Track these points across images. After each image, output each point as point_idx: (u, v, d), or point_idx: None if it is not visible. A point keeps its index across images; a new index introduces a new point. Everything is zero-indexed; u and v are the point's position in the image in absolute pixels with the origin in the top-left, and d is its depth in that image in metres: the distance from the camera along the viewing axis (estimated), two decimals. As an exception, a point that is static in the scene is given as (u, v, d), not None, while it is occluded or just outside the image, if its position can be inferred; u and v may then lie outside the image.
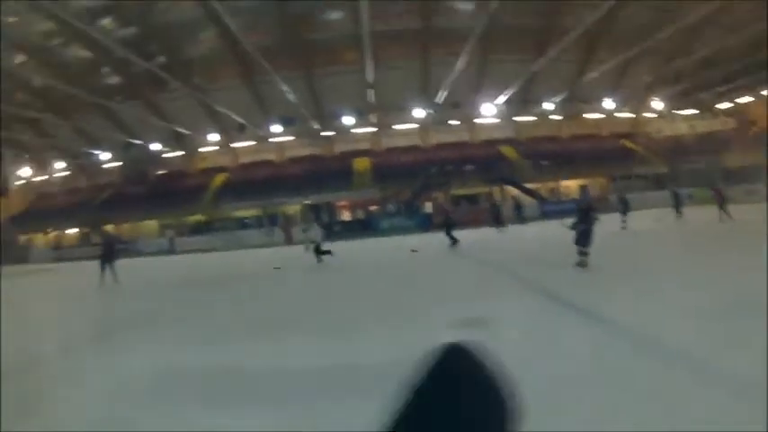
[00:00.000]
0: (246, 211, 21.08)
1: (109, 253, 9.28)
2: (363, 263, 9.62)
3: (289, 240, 17.24)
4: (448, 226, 10.19)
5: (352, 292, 6.09)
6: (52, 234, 23.80)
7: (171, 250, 19.55)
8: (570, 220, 6.11)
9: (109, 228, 22.05)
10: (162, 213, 21.66)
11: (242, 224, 20.88)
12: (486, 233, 12.88)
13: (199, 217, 21.37)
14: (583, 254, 5.81)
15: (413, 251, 9.75)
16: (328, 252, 8.99)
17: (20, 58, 19.01)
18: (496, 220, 13.38)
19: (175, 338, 4.37)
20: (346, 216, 21.33)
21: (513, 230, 13.36)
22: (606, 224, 8.44)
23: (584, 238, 5.87)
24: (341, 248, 10.36)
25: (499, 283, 5.70)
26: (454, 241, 9.74)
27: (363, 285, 6.61)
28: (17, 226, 24.07)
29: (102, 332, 5.26)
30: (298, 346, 3.52)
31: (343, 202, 21.48)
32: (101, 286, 8.62)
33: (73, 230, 23.62)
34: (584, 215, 5.98)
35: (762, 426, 1.67)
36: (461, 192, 20.07)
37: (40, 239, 24.17)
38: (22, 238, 24.16)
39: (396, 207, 20.23)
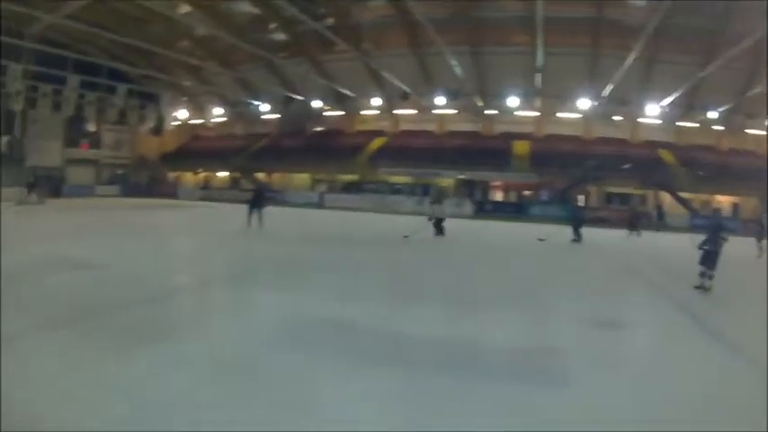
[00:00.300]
0: (399, 178, 24.05)
1: (259, 198, 11.51)
2: (490, 243, 11.86)
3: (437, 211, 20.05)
4: (577, 221, 11.92)
5: (465, 267, 7.81)
6: (202, 175, 28.13)
7: (320, 204, 22.88)
8: (702, 239, 6.39)
9: (260, 175, 26.01)
10: (315, 168, 25.05)
11: (393, 189, 23.75)
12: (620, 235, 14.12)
13: (351, 176, 24.36)
14: (704, 276, 6.19)
15: (540, 240, 11.25)
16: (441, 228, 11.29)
17: (185, 8, 21.84)
18: (631, 224, 14.57)
19: (306, 288, 5.62)
20: (499, 197, 23.80)
21: (653, 238, 14.18)
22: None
23: (709, 260, 6.18)
24: (490, 228, 12.60)
25: (598, 287, 6.65)
26: (577, 237, 11.53)
27: (476, 263, 8.40)
28: (168, 164, 28.97)
29: (238, 271, 6.78)
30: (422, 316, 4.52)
31: (497, 183, 23.95)
32: (247, 228, 10.78)
33: (223, 174, 27.81)
34: (712, 235, 6.28)
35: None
36: (615, 190, 21.87)
37: (190, 178, 28.58)
38: (172, 176, 28.91)
39: (549, 195, 22.14)
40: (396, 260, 8.44)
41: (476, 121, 25.42)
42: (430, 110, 25.34)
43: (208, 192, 26.58)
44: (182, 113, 30.42)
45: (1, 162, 21.14)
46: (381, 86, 24.72)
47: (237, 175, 26.92)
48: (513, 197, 23.67)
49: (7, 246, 7.87)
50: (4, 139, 22.76)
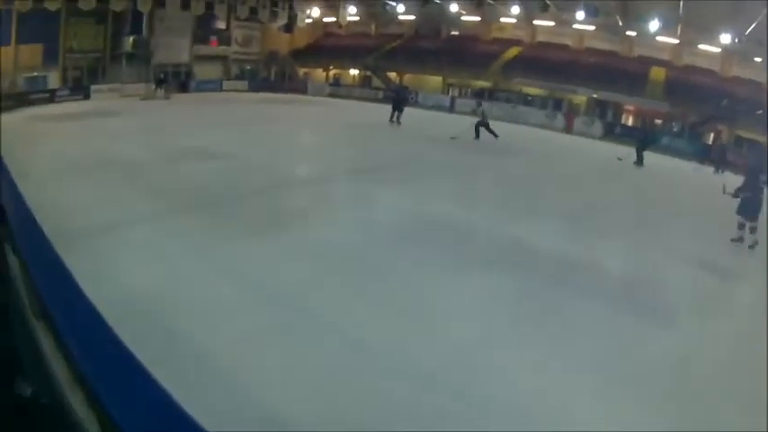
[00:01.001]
0: (532, 89, 33.45)
1: (400, 99, 20.59)
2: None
3: (569, 129, 27.57)
4: (642, 145, 17.35)
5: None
6: (333, 72, 39.17)
7: (451, 109, 34.03)
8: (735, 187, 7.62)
9: (392, 75, 37.07)
10: (448, 72, 35.12)
11: (525, 100, 33.16)
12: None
13: (484, 83, 33.82)
14: (743, 227, 7.59)
15: (618, 159, 16.27)
16: (493, 133, 17.63)
17: None
18: (716, 160, 18.65)
19: (429, 188, 9.30)
20: (630, 121, 31.74)
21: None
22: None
23: (748, 209, 7.42)
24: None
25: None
26: (639, 161, 16.91)
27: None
28: (298, 60, 40.38)
29: (363, 166, 10.78)
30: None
31: (629, 107, 32.29)
32: (389, 124, 18.76)
33: (354, 72, 38.81)
34: (753, 179, 7.46)
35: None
36: (745, 134, 27.36)
37: (320, 75, 39.60)
38: (302, 71, 40.17)
39: (679, 127, 29.20)
40: (516, 168, 13.18)
41: (614, 40, 34.41)
42: (569, 24, 35.91)
43: (337, 89, 37.74)
44: (314, 11, 40.84)
45: (125, 60, 32.72)
46: None
47: (369, 73, 38.37)
48: (643, 123, 30.63)
49: (137, 137, 13.10)
50: (131, 38, 33.38)
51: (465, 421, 3.57)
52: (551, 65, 33.40)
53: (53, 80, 31.03)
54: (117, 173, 10.70)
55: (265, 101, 28.66)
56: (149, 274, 5.66)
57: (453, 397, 3.80)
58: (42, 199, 7.66)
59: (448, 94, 35.20)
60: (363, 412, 3.52)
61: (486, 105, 20.00)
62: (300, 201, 9.69)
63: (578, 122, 27.17)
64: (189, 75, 36.59)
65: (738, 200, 8.06)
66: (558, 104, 31.67)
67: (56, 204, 7.87)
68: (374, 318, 4.88)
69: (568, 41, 35.75)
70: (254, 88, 37.69)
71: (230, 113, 23.89)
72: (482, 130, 18.21)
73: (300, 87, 38.06)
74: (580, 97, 32.11)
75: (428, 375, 4.03)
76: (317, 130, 19.72)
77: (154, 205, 8.48)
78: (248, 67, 40.51)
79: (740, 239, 8.01)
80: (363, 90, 35.28)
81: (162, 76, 31.18)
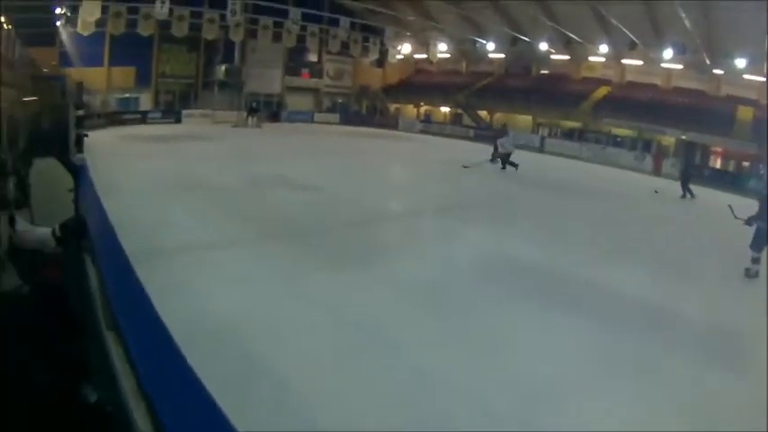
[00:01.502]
0: (621, 130, 40.18)
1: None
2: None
3: (657, 171, 29.71)
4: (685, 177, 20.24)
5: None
6: (423, 108, 49.52)
7: (541, 148, 39.26)
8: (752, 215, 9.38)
9: (482, 113, 47.66)
10: (538, 111, 44.12)
11: (615, 141, 39.63)
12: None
13: (573, 123, 42.02)
14: (758, 261, 9.24)
15: (655, 192, 19.28)
16: (514, 164, 21.43)
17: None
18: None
19: (515, 228, 11.53)
20: (717, 163, 36.55)
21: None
22: None
23: (760, 241, 9.20)
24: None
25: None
26: (684, 193, 20.24)
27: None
28: (390, 96, 51.00)
29: (453, 204, 14.10)
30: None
31: (717, 148, 36.67)
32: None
33: (445, 109, 49.03)
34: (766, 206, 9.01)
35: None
36: None
37: (411, 111, 49.87)
38: (394, 107, 50.78)
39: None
40: (605, 213, 14.93)
41: (701, 79, 39.84)
42: (657, 62, 42.93)
43: (428, 125, 47.62)
44: (405, 47, 51.03)
45: (217, 87, 42.32)
46: (608, 33, 41.27)
47: (459, 111, 48.57)
48: (731, 166, 33.10)
49: (228, 163, 17.06)
50: (223, 66, 42.92)
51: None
52: (640, 105, 40.74)
53: (145, 102, 40.63)
54: (205, 196, 12.85)
55: (356, 134, 34.58)
56: (230, 297, 6.91)
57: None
58: (129, 216, 9.45)
59: (537, 133, 44.09)
60: None
61: (504, 136, 24.23)
62: (387, 235, 11.42)
63: (667, 164, 30.56)
64: (280, 105, 46.87)
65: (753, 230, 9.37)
66: (647, 146, 35.61)
67: (142, 222, 9.75)
68: (450, 352, 5.88)
69: (657, 81, 43.58)
70: (346, 121, 47.73)
71: (321, 145, 28.83)
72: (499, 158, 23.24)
73: (392, 123, 46.33)
74: (668, 138, 36.05)
75: (498, 413, 4.88)
76: (407, 165, 23.42)
77: (240, 230, 10.14)
78: (340, 101, 51.47)
79: (750, 274, 9.53)
80: (454, 127, 43.27)
81: (254, 105, 40.46)
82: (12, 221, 3.87)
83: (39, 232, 4.10)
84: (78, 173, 6.10)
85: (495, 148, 23.45)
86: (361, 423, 4.62)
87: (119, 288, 3.26)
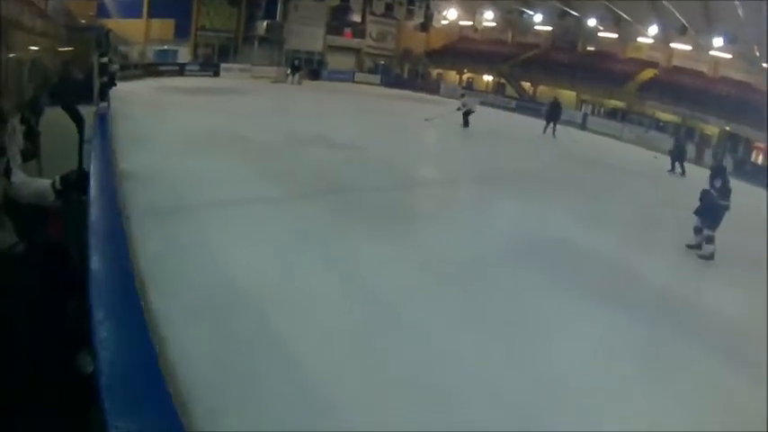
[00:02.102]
0: (665, 115, 40.33)
1: (555, 111, 28.59)
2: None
3: (699, 160, 29.96)
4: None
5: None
6: (466, 75, 49.01)
7: (583, 125, 39.67)
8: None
9: (525, 85, 47.97)
10: (582, 87, 43.94)
11: (657, 125, 39.29)
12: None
13: (617, 103, 42.04)
14: (699, 232, 9.33)
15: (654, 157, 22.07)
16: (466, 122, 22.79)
17: None
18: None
19: (554, 205, 11.19)
20: (759, 158, 35.77)
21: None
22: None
23: (708, 215, 9.11)
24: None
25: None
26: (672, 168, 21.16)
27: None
28: (433, 61, 50.75)
29: (486, 174, 14.15)
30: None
31: (760, 144, 36.21)
32: (542, 135, 24.85)
33: (488, 78, 48.83)
34: (718, 177, 9.16)
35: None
36: None
37: (453, 77, 49.45)
38: (436, 72, 50.37)
39: None
40: (643, 193, 14.67)
41: (750, 71, 39.66)
42: (706, 49, 43.39)
43: (470, 92, 51.55)
44: (451, 13, 50.81)
45: (258, 42, 42.85)
46: (659, 15, 40.95)
47: (502, 81, 48.46)
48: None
49: (265, 118, 17.89)
50: (265, 22, 43.40)
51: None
52: (685, 91, 40.68)
53: (183, 55, 41.02)
54: (240, 151, 12.83)
55: (397, 97, 34.43)
56: (251, 255, 6.86)
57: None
58: (157, 168, 9.96)
59: (581, 110, 43.51)
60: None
61: (469, 95, 26.50)
62: (420, 202, 11.42)
63: (708, 155, 29.11)
64: (321, 63, 46.98)
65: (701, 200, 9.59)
66: (690, 133, 37.23)
67: (170, 175, 9.91)
68: (472, 335, 5.61)
69: (704, 68, 43.14)
70: (387, 83, 47.68)
71: (360, 105, 28.68)
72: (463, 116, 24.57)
73: (433, 87, 47.36)
74: (712, 128, 36.06)
75: (515, 405, 4.64)
76: (447, 131, 22.98)
77: (272, 188, 10.10)
78: (381, 62, 51.19)
79: (695, 247, 9.58)
80: (496, 97, 42.45)
81: (297, 62, 40.72)
82: (7, 172, 3.56)
83: (37, 184, 3.80)
84: (82, 122, 5.44)
85: (464, 105, 24.65)
86: (372, 407, 4.45)
87: (104, 256, 2.79)
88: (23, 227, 3.68)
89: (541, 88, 46.01)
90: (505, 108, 39.80)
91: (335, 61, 46.17)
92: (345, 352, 5.19)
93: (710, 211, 9.53)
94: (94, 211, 3.44)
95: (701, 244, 9.64)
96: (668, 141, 31.11)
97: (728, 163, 13.48)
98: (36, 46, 16.97)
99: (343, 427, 4.14)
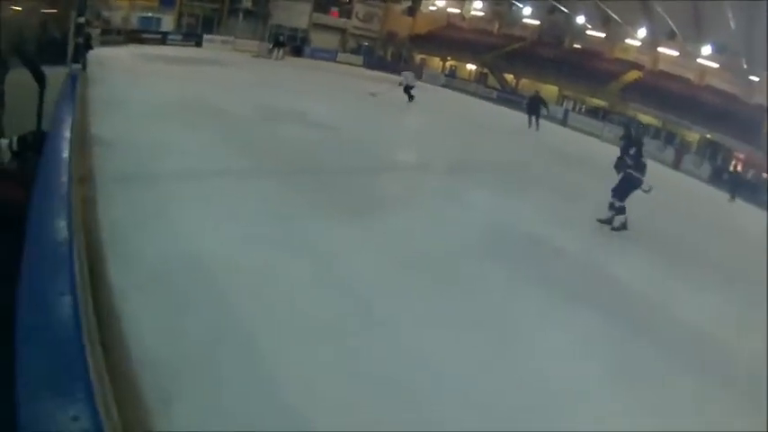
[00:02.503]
0: (647, 117, 39.77)
1: (536, 105, 28.34)
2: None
3: (677, 165, 31.98)
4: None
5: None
6: (449, 63, 48.42)
7: (564, 122, 42.46)
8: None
9: (509, 77, 48.54)
10: (565, 84, 43.81)
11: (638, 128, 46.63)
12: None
13: (600, 101, 41.70)
14: (613, 207, 9.81)
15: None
16: (410, 95, 23.98)
17: None
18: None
19: (529, 199, 11.43)
20: (738, 169, 35.30)
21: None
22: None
23: (620, 186, 9.72)
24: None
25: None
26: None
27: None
28: (417, 46, 50.08)
29: (459, 162, 14.31)
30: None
31: (739, 154, 36.17)
32: (528, 128, 24.99)
33: (471, 67, 48.27)
34: (627, 151, 9.73)
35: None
36: None
37: (436, 64, 48.75)
38: (419, 57, 49.82)
39: None
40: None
41: (735, 83, 39.82)
42: (693, 57, 46.00)
43: (452, 80, 47.02)
44: (439, 0, 51.06)
45: (243, 15, 42.38)
46: (650, 18, 41.44)
47: (485, 71, 48.40)
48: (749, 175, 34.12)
49: (242, 91, 17.82)
50: None
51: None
52: (669, 96, 40.92)
53: (167, 23, 40.46)
54: (214, 122, 12.66)
55: (378, 79, 33.14)
56: (215, 232, 6.56)
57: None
58: (127, 135, 9.77)
59: (562, 105, 43.39)
60: None
61: (406, 72, 27.95)
62: (393, 187, 11.23)
63: (686, 160, 30.42)
64: (305, 40, 46.37)
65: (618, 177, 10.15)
66: (670, 138, 37.80)
67: (140, 142, 9.66)
68: (443, 330, 5.31)
69: (690, 75, 43.20)
70: (369, 65, 47.04)
71: (340, 85, 28.74)
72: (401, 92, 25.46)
73: (416, 72, 49.63)
74: (693, 135, 38.48)
75: (486, 404, 4.40)
76: (426, 118, 23.36)
77: (243, 163, 9.86)
78: (365, 44, 50.39)
79: (607, 221, 10.10)
80: (478, 86, 42.45)
81: (281, 38, 40.09)
82: None
83: None
84: (43, 82, 5.57)
85: (404, 81, 25.67)
86: (328, 405, 4.15)
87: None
88: None
89: (524, 81, 46.03)
90: (487, 98, 41.08)
91: (319, 39, 45.97)
92: (309, 338, 4.95)
93: (623, 182, 10.01)
94: (45, 174, 3.35)
95: (612, 217, 10.20)
96: (648, 144, 31.23)
97: (641, 132, 14.79)
98: (16, 5, 16.32)
99: (302, 420, 3.92)
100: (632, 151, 9.98)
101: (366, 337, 5.17)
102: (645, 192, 9.88)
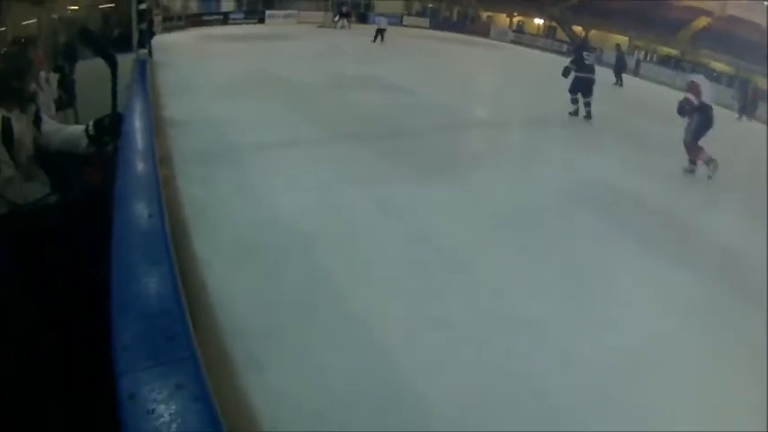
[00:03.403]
0: (719, 64, 39.13)
1: (621, 63, 28.14)
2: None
3: (751, 112, 30.75)
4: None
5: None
6: (516, 18, 47.59)
7: (635, 72, 39.94)
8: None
9: (577, 30, 47.43)
10: (635, 33, 42.11)
11: (711, 75, 42.64)
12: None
13: (671, 50, 40.89)
14: (575, 102, 12.64)
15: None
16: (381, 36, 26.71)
17: None
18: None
19: (612, 152, 10.48)
20: None
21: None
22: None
23: (585, 87, 12.22)
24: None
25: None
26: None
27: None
28: (483, 3, 48.62)
29: (538, 117, 13.50)
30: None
31: None
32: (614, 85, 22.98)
33: (538, 21, 47.06)
34: (578, 57, 12.16)
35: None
36: None
37: (503, 20, 47.85)
38: (485, 15, 49.07)
39: None
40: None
41: None
42: (763, 1, 42.95)
43: (520, 36, 46.15)
44: None
45: None
46: None
47: (553, 24, 46.85)
48: None
49: (312, 63, 17.37)
50: None
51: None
52: (737, 41, 39.27)
53: (227, 4, 39.74)
54: (282, 93, 12.73)
55: (446, 40, 33.62)
56: (297, 200, 6.53)
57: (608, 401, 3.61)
58: (200, 114, 9.91)
59: (633, 56, 41.16)
60: (485, 396, 3.51)
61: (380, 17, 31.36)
62: (473, 146, 11.02)
63: (762, 108, 29.93)
64: (369, 7, 45.77)
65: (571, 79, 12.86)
66: (743, 84, 34.33)
67: (214, 120, 9.79)
68: (539, 288, 5.09)
69: (760, 20, 40.70)
70: (435, 27, 46.22)
71: (409, 48, 28.02)
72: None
73: (483, 30, 46.09)
74: (763, 80, 35.31)
75: (591, 366, 3.99)
76: (499, 74, 22.68)
77: (314, 129, 9.90)
78: (430, 5, 49.60)
79: (576, 113, 12.96)
80: (547, 41, 40.99)
81: (345, 9, 39.61)
82: (36, 121, 3.44)
83: (68, 131, 3.65)
84: (115, 65, 5.04)
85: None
86: (428, 358, 4.02)
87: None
88: (57, 176, 3.50)
89: (593, 33, 43.99)
90: (557, 52, 39.20)
91: (383, 5, 43.92)
92: (401, 299, 4.77)
93: (574, 82, 13.57)
94: (126, 155, 3.25)
95: (577, 110, 13.74)
96: (723, 92, 29.61)
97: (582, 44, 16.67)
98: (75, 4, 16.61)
99: (402, 378, 3.77)
100: (574, 58, 13.18)
101: (465, 297, 4.97)
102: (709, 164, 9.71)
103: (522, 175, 8.88)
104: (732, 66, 38.80)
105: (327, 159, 8.35)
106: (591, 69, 12.69)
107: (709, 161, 9.40)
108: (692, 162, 9.72)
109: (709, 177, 9.41)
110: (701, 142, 9.70)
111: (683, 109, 9.66)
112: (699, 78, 10.13)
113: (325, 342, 3.98)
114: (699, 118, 9.52)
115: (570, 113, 13.15)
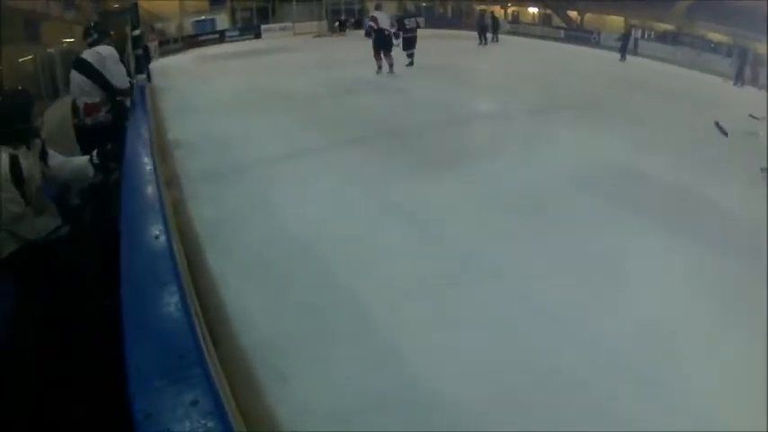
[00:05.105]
0: (716, 35, 38.66)
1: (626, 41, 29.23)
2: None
3: (754, 81, 29.73)
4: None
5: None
6: (511, 9, 47.30)
7: (633, 50, 41.24)
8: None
9: (572, 14, 47.56)
10: (630, 12, 41.33)
11: (710, 47, 38.62)
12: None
13: (667, 26, 40.61)
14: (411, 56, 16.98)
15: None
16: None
17: None
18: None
19: (615, 133, 10.18)
20: None
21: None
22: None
23: (383, 45, 15.95)
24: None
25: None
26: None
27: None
28: None
29: (542, 105, 13.13)
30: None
31: None
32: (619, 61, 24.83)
33: (533, 10, 47.48)
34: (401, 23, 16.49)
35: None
36: None
37: (497, 12, 48.20)
38: (479, 8, 46.90)
39: None
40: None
41: None
42: None
43: (516, 26, 45.87)
44: None
45: None
46: None
47: (548, 11, 47.14)
48: None
49: (310, 72, 17.68)
50: None
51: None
52: (735, 10, 38.41)
53: (222, 22, 40.05)
54: (283, 105, 12.74)
55: (442, 37, 33.57)
56: (307, 210, 6.53)
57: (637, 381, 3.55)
58: (203, 133, 9.92)
59: (630, 35, 40.25)
60: (513, 386, 3.48)
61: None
62: (477, 137, 11.07)
63: (762, 75, 29.50)
64: (362, 12, 44.88)
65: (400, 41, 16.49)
66: (742, 53, 33.25)
67: (217, 138, 9.77)
68: (555, 273, 5.00)
69: None
70: (431, 25, 46.16)
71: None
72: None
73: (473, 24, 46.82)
74: (764, 47, 34.06)
75: (609, 350, 3.88)
76: (497, 67, 22.44)
77: (318, 137, 9.94)
78: (424, 4, 49.06)
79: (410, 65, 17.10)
80: (544, 28, 40.47)
81: (341, 20, 40.40)
82: (43, 155, 3.45)
83: (74, 163, 3.76)
84: (114, 93, 5.83)
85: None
86: (451, 359, 3.86)
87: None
88: (67, 208, 3.57)
89: (588, 16, 44.15)
90: (554, 38, 39.32)
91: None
92: (421, 303, 4.62)
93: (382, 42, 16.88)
94: (131, 180, 3.34)
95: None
96: (720, 63, 31.37)
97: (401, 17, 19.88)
98: (69, 37, 16.35)
99: (423, 391, 3.54)
100: (394, 29, 17.15)
101: (483, 289, 4.87)
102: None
103: (532, 162, 8.80)
104: (729, 35, 38.20)
105: (334, 166, 8.29)
106: (413, 30, 17.61)
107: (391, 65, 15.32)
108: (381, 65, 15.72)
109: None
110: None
111: (368, 32, 15.76)
112: (378, 14, 16.55)
113: (346, 347, 4.01)
114: (376, 36, 16.07)
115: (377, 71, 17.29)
